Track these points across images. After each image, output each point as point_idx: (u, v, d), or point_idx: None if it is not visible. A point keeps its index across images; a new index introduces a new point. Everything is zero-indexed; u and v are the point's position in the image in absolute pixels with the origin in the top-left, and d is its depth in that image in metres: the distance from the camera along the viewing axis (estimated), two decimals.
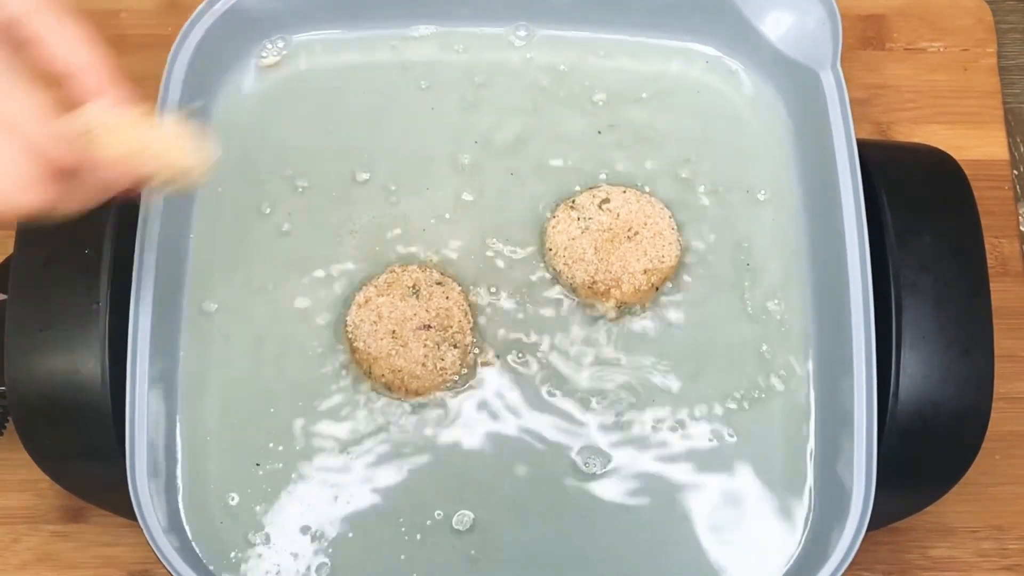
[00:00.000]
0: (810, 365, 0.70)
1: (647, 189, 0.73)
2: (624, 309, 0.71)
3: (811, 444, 0.68)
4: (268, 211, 0.73)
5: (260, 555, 0.66)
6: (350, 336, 0.69)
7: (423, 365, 0.68)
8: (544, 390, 0.69)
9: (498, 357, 0.70)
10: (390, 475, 0.68)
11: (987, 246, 0.67)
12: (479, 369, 0.70)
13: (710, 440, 0.69)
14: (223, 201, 0.72)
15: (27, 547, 0.75)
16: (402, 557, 0.66)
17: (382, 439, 0.68)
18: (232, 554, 0.66)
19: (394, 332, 0.68)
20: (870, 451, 0.64)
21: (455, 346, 0.68)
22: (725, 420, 0.69)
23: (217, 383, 0.69)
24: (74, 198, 0.52)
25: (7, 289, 0.65)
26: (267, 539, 0.66)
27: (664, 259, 0.70)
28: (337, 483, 0.67)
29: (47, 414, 0.64)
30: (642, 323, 0.71)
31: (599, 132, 0.75)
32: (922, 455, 0.65)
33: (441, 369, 0.68)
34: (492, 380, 0.69)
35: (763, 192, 0.74)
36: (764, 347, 0.70)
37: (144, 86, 0.80)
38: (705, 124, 0.76)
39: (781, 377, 0.70)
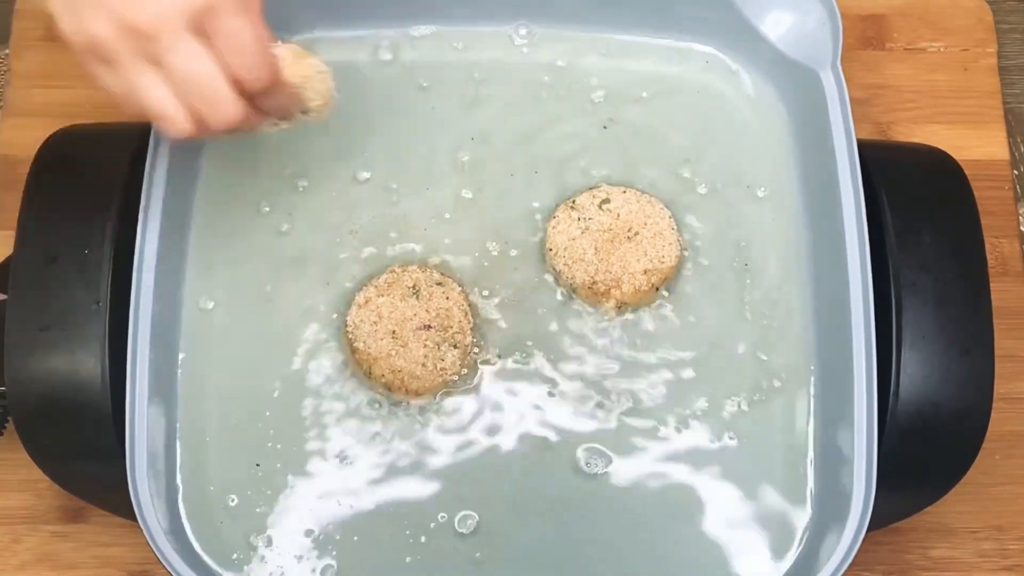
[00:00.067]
0: (810, 365, 0.70)
1: (647, 189, 0.73)
2: (624, 309, 0.71)
3: (811, 444, 0.68)
4: (267, 210, 0.73)
5: (263, 557, 0.66)
6: (350, 336, 0.69)
7: (423, 365, 0.68)
8: (544, 390, 0.69)
9: (499, 357, 0.70)
10: (391, 476, 0.68)
11: (987, 246, 0.67)
12: (479, 369, 0.70)
13: (710, 440, 0.69)
14: (223, 200, 0.72)
15: (27, 547, 0.75)
16: (407, 560, 0.66)
17: (382, 440, 0.68)
18: (234, 556, 0.66)
19: (394, 332, 0.68)
20: (870, 451, 0.64)
21: (455, 346, 0.68)
22: (725, 420, 0.69)
23: (217, 383, 0.69)
24: (255, 117, 0.61)
25: (7, 289, 0.65)
26: (269, 541, 0.66)
27: (664, 259, 0.70)
28: (337, 484, 0.67)
29: (47, 414, 0.64)
30: (642, 323, 0.71)
31: (599, 132, 0.76)
32: (922, 455, 0.65)
33: (441, 369, 0.68)
34: (492, 380, 0.69)
35: (763, 192, 0.74)
36: (764, 347, 0.70)
37: None
38: (705, 124, 0.76)
39: (781, 377, 0.70)
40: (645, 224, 0.71)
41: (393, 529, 0.67)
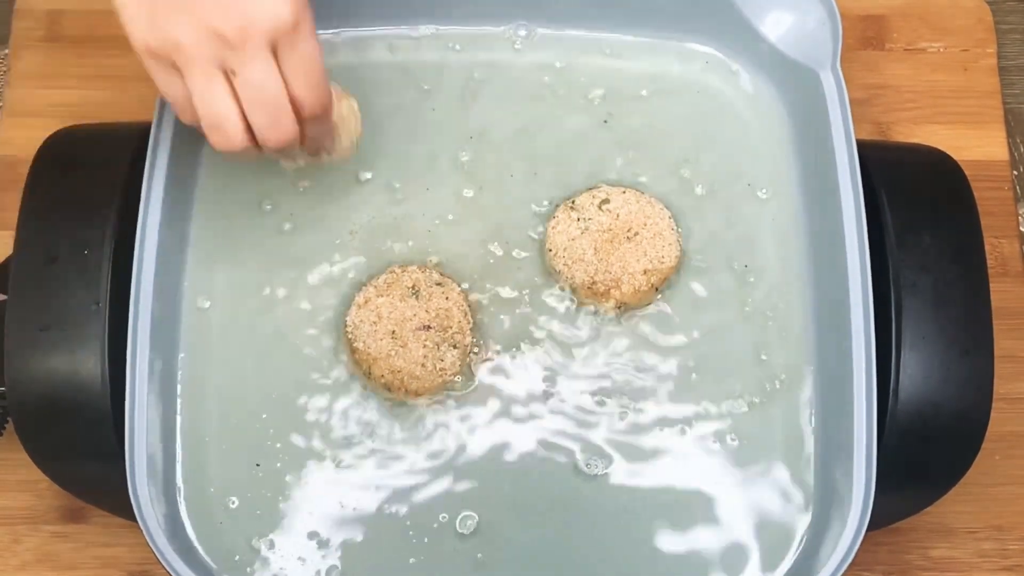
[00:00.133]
0: (810, 365, 0.70)
1: (647, 189, 0.73)
2: (624, 309, 0.71)
3: (811, 444, 0.68)
4: (269, 208, 0.73)
5: (266, 560, 0.66)
6: (350, 336, 0.69)
7: (423, 366, 0.68)
8: (544, 391, 0.69)
9: (499, 357, 0.70)
10: (392, 477, 0.68)
11: (987, 246, 0.67)
12: (479, 370, 0.70)
13: (710, 441, 0.69)
14: (224, 200, 0.72)
15: (27, 548, 0.75)
16: (411, 561, 0.66)
17: (382, 440, 0.68)
18: (237, 558, 0.66)
19: (394, 333, 0.68)
20: (870, 451, 0.64)
21: (455, 347, 0.68)
22: (725, 420, 0.69)
23: (217, 383, 0.69)
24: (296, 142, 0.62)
25: (7, 289, 0.65)
26: (272, 544, 0.66)
27: (664, 259, 0.70)
28: (338, 485, 0.67)
29: (47, 414, 0.64)
30: (642, 324, 0.71)
31: (599, 132, 0.75)
32: (922, 455, 0.65)
33: (441, 370, 0.68)
34: (492, 381, 0.69)
35: (763, 192, 0.74)
36: (764, 347, 0.70)
37: (144, 86, 0.80)
38: (705, 124, 0.76)
39: (781, 377, 0.70)
40: (645, 224, 0.71)
41: (395, 530, 0.67)
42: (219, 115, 0.58)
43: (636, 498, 0.68)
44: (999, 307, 0.66)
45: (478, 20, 0.77)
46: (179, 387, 0.69)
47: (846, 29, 0.72)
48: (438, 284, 0.70)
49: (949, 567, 0.76)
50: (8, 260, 0.66)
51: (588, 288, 0.70)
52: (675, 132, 0.76)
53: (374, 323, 0.69)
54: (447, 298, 0.69)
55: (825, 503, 0.66)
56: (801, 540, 0.67)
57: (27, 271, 0.65)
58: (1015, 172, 0.86)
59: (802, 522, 0.67)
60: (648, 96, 0.77)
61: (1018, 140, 0.87)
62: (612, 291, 0.70)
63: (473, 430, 0.69)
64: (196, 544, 0.66)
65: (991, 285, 0.66)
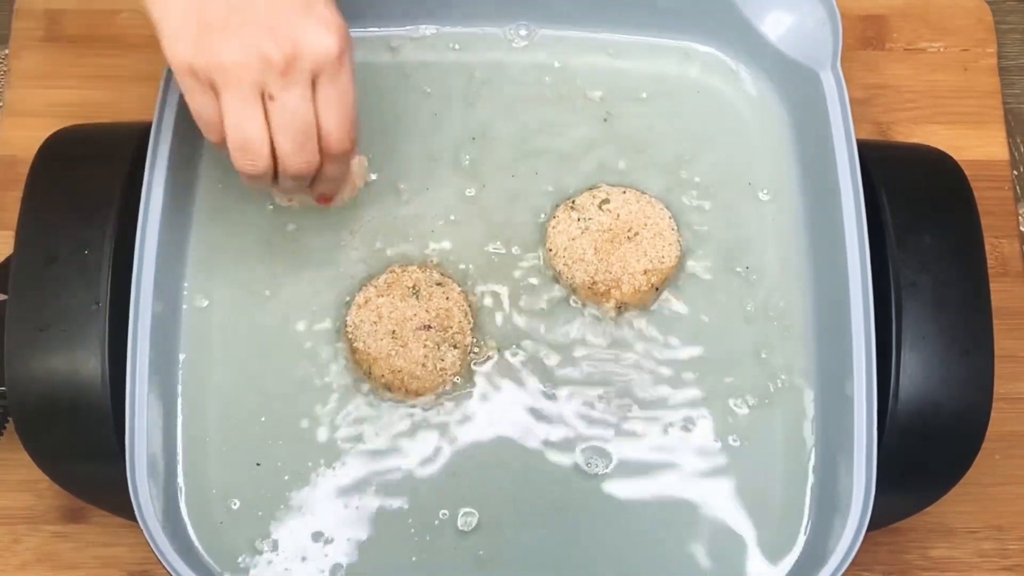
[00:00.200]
0: (810, 365, 0.70)
1: (647, 189, 0.73)
2: (624, 309, 0.71)
3: (811, 444, 0.68)
4: (271, 208, 0.73)
5: (269, 560, 0.66)
6: (350, 336, 0.69)
7: (423, 366, 0.68)
8: (544, 391, 0.69)
9: (499, 357, 0.70)
10: (392, 476, 0.68)
11: (987, 246, 0.67)
12: (479, 370, 0.70)
13: (710, 440, 0.69)
14: (226, 200, 0.72)
15: (27, 547, 0.75)
16: (413, 559, 0.66)
17: (383, 440, 0.68)
18: (239, 558, 0.66)
19: (394, 332, 0.68)
20: (870, 451, 0.64)
21: (455, 347, 0.68)
22: (725, 420, 0.69)
23: (217, 383, 0.69)
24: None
25: (7, 289, 0.65)
26: (274, 544, 0.66)
27: (664, 260, 0.70)
28: (339, 484, 0.67)
29: (47, 414, 0.64)
30: (642, 324, 0.71)
31: (600, 132, 0.76)
32: (922, 455, 0.65)
33: (441, 370, 0.68)
34: (492, 381, 0.69)
35: (763, 192, 0.74)
36: (764, 347, 0.70)
37: (144, 86, 0.81)
38: (705, 124, 0.76)
39: (781, 377, 0.70)
40: (645, 224, 0.71)
41: (397, 528, 0.67)
42: (249, 139, 0.59)
43: (636, 497, 0.68)
44: (999, 307, 0.66)
45: (479, 21, 0.77)
46: (179, 387, 0.69)
47: (846, 29, 0.72)
48: (438, 284, 0.70)
49: (949, 567, 0.76)
50: (8, 260, 0.66)
51: (588, 288, 0.70)
52: (675, 132, 0.76)
53: (374, 323, 0.69)
54: (447, 298, 0.69)
55: (825, 503, 0.66)
56: (801, 540, 0.67)
57: (27, 271, 0.65)
58: (1015, 172, 0.86)
59: (802, 522, 0.67)
60: (648, 96, 0.77)
61: (1018, 140, 0.87)
62: (612, 291, 0.70)
63: (473, 430, 0.69)
64: (197, 544, 0.66)
65: (991, 285, 0.66)
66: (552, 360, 0.70)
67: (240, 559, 0.66)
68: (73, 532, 0.75)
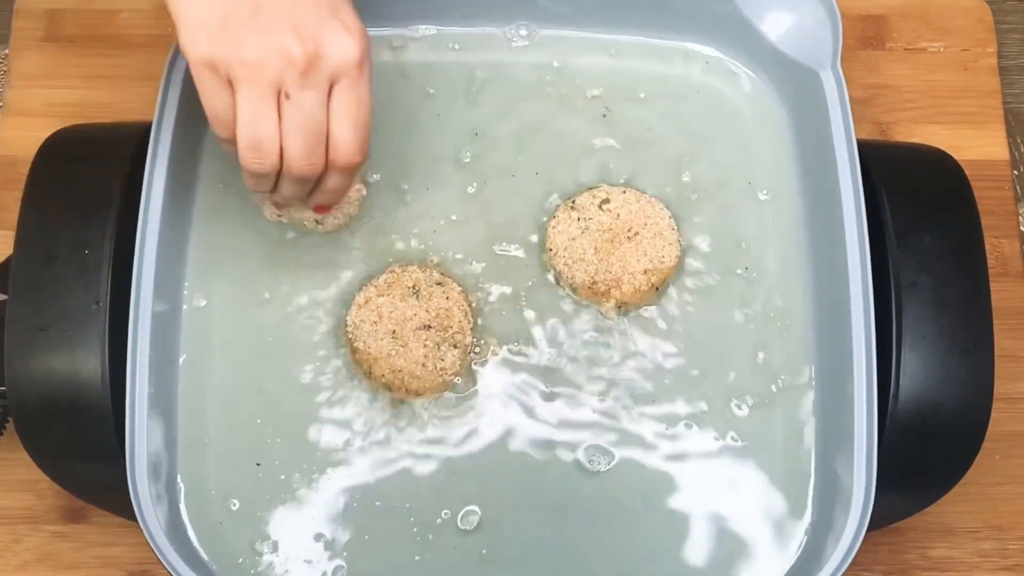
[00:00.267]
0: (810, 365, 0.70)
1: (647, 189, 0.73)
2: (624, 309, 0.71)
3: (812, 444, 0.68)
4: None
5: (270, 562, 0.66)
6: (350, 336, 0.69)
7: (423, 365, 0.68)
8: (544, 390, 0.69)
9: (499, 357, 0.70)
10: (393, 476, 0.68)
11: (987, 246, 0.67)
12: (479, 369, 0.70)
13: (710, 440, 0.69)
14: (225, 200, 0.72)
15: (27, 547, 0.75)
16: (416, 558, 0.66)
17: (383, 440, 0.68)
18: (240, 560, 0.66)
19: (394, 332, 0.68)
20: (870, 451, 0.64)
21: (455, 346, 0.68)
22: (725, 419, 0.69)
23: (217, 383, 0.69)
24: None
25: (7, 289, 0.65)
26: (274, 545, 0.66)
27: (664, 259, 0.70)
28: (339, 484, 0.67)
29: (47, 414, 0.64)
30: (642, 324, 0.71)
31: (600, 132, 0.75)
32: (922, 455, 0.65)
33: (441, 369, 0.68)
34: (492, 380, 0.69)
35: (763, 192, 0.74)
36: (764, 347, 0.70)
37: (144, 86, 0.81)
38: (705, 124, 0.76)
39: (781, 377, 0.70)
40: (645, 224, 0.71)
41: (399, 528, 0.67)
42: (261, 136, 0.59)
43: (637, 496, 0.68)
44: (999, 307, 0.66)
45: (479, 21, 0.77)
46: (179, 387, 0.69)
47: (846, 29, 0.72)
48: (438, 284, 0.70)
49: (949, 567, 0.76)
50: (8, 260, 0.66)
51: (588, 288, 0.70)
52: (675, 132, 0.76)
53: (375, 323, 0.69)
54: (447, 298, 0.69)
55: (825, 503, 0.66)
56: (801, 540, 0.67)
57: (27, 271, 0.65)
58: (1015, 172, 0.86)
59: (802, 522, 0.67)
60: (648, 96, 0.77)
61: (1018, 140, 0.87)
62: (612, 291, 0.70)
63: (473, 429, 0.69)
64: (197, 545, 0.66)
65: (991, 285, 0.66)
66: (552, 359, 0.70)
67: (240, 559, 0.66)
68: (73, 532, 0.75)
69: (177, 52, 0.70)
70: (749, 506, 0.67)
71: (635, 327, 0.71)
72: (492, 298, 0.71)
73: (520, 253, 0.72)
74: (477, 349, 0.70)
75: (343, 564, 0.66)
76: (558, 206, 0.73)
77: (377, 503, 0.67)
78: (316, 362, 0.70)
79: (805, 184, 0.73)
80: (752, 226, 0.73)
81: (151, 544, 0.63)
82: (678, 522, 0.67)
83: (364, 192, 0.71)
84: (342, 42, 0.58)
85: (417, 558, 0.66)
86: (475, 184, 0.74)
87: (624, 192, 0.72)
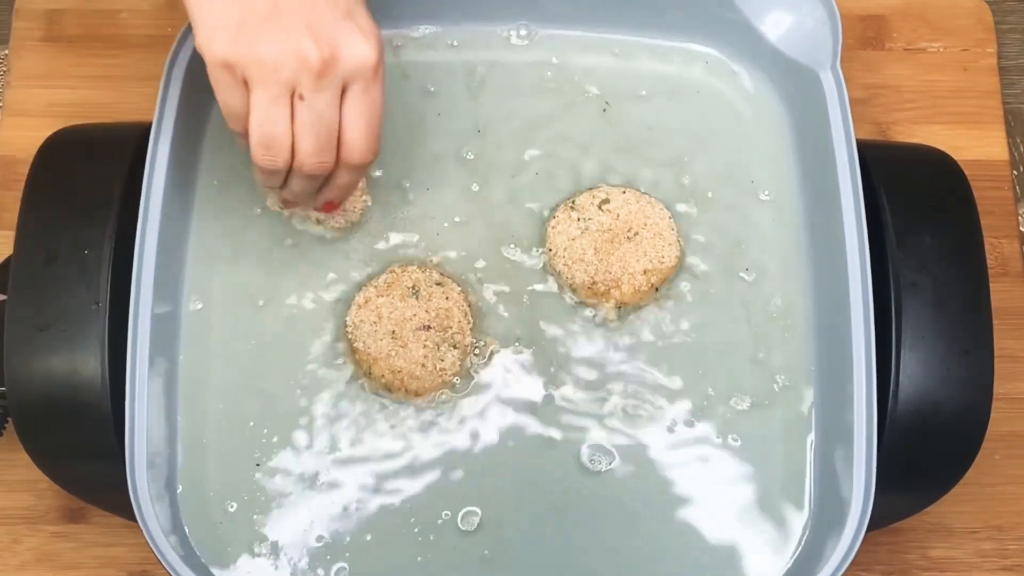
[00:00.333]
0: (810, 366, 0.70)
1: (647, 189, 0.73)
2: (624, 309, 0.71)
3: (811, 444, 0.68)
4: (258, 213, 0.73)
5: (270, 563, 0.66)
6: (350, 337, 0.69)
7: (423, 366, 0.68)
8: (544, 390, 0.69)
9: (499, 357, 0.70)
10: (393, 476, 0.68)
11: (987, 246, 0.67)
12: (479, 369, 0.70)
13: (711, 440, 0.69)
14: (225, 200, 0.72)
15: (27, 547, 0.75)
16: (418, 559, 0.66)
17: (383, 440, 0.68)
18: (240, 560, 0.66)
19: (394, 333, 0.68)
20: (870, 451, 0.64)
21: (455, 347, 0.68)
22: (725, 420, 0.69)
23: (217, 383, 0.69)
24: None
25: (7, 289, 0.65)
26: (274, 546, 0.66)
27: (664, 260, 0.70)
28: (339, 485, 0.67)
29: (47, 414, 0.64)
30: (642, 324, 0.71)
31: (600, 132, 0.75)
32: (922, 455, 0.65)
33: (441, 370, 0.68)
34: (492, 381, 0.69)
35: (763, 192, 0.74)
36: (764, 347, 0.70)
37: (144, 86, 0.81)
38: (705, 124, 0.76)
39: (781, 377, 0.70)
40: (645, 224, 0.71)
41: (400, 529, 0.67)
42: (274, 136, 0.59)
43: (637, 496, 0.68)
44: (999, 307, 0.66)
45: (479, 20, 0.77)
46: (179, 387, 0.69)
47: (846, 29, 0.72)
48: (438, 284, 0.70)
49: (949, 567, 0.76)
50: (8, 260, 0.66)
51: (588, 288, 0.70)
52: (675, 132, 0.76)
53: (374, 323, 0.69)
54: (447, 298, 0.69)
55: (825, 503, 0.66)
56: (801, 540, 0.67)
57: (27, 271, 0.65)
58: (1015, 172, 0.86)
59: (802, 522, 0.67)
60: (649, 96, 0.77)
61: (1018, 140, 0.87)
62: (612, 291, 0.70)
63: (473, 430, 0.69)
64: (196, 544, 0.66)
65: (991, 285, 0.66)
66: (552, 360, 0.70)
67: (240, 560, 0.66)
68: (73, 532, 0.75)
69: (177, 51, 0.70)
70: (749, 506, 0.67)
71: (635, 327, 0.71)
72: (492, 298, 0.71)
73: (519, 253, 0.72)
74: (477, 349, 0.70)
75: (344, 565, 0.66)
76: (558, 206, 0.73)
77: (377, 504, 0.67)
78: (315, 363, 0.70)
79: (805, 184, 0.73)
80: (752, 226, 0.73)
81: (151, 544, 0.63)
82: (679, 522, 0.67)
83: (368, 202, 0.72)
84: (357, 45, 0.58)
85: (419, 559, 0.66)
86: (474, 185, 0.74)
87: (624, 192, 0.72)
